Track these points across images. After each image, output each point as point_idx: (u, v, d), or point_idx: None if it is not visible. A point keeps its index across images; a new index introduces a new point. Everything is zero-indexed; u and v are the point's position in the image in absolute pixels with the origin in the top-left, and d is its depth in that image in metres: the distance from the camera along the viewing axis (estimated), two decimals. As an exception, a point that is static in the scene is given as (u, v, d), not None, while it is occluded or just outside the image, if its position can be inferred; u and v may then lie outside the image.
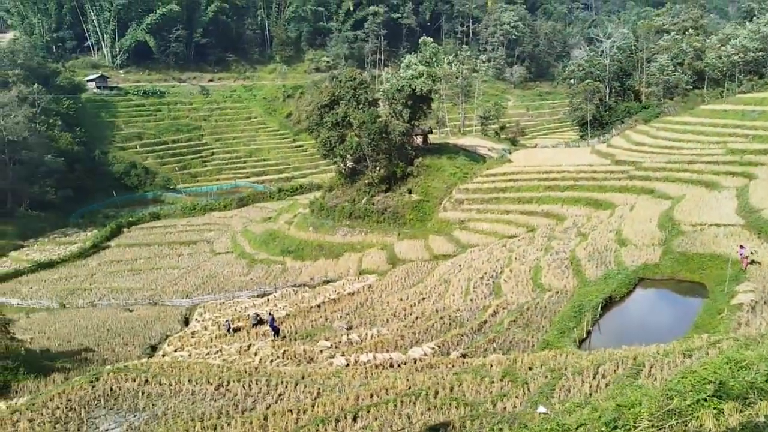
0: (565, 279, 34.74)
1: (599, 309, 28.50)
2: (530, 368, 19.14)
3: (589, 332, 26.84)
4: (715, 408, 5.58)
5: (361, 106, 61.24)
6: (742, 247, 29.30)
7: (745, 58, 75.44)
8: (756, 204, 36.58)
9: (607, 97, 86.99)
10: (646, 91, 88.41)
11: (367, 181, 62.38)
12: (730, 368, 7.60)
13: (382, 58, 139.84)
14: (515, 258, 41.00)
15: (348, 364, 25.23)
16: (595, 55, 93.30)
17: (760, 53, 75.07)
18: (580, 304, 29.15)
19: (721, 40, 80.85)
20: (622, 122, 77.56)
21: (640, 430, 5.51)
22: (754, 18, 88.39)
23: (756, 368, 7.12)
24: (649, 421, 5.63)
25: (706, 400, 5.83)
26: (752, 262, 28.80)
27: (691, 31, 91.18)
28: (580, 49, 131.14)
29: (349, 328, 34.10)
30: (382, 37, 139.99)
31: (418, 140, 69.16)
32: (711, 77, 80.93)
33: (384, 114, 63.74)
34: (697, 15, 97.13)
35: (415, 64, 66.49)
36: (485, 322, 30.26)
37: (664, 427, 5.38)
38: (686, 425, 5.31)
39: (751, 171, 45.08)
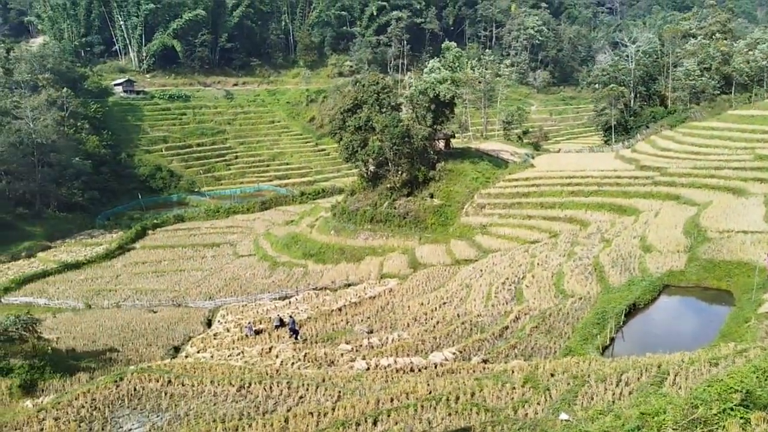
0: (588, 285, 34.41)
1: (623, 316, 28.18)
2: (552, 375, 19.00)
3: (612, 339, 26.55)
4: (741, 417, 5.50)
5: (383, 110, 61.33)
6: (770, 255, 28.78)
7: (773, 63, 74.35)
8: (785, 211, 35.96)
9: (632, 101, 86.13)
10: (672, 96, 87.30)
11: (389, 186, 62.39)
12: (757, 377, 7.47)
13: (405, 62, 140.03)
14: (537, 263, 40.69)
15: (368, 368, 25.25)
16: (620, 60, 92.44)
17: (790, 58, 73.96)
18: (604, 310, 28.86)
19: (750, 45, 79.68)
20: (648, 127, 76.66)
21: (665, 438, 5.46)
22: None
23: (784, 378, 6.98)
24: (673, 429, 5.56)
25: (732, 409, 5.74)
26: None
27: (718, 35, 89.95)
28: (605, 53, 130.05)
29: (370, 331, 34.12)
30: (405, 42, 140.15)
31: (441, 144, 69.02)
32: (739, 82, 79.77)
33: (406, 118, 63.78)
34: (724, 19, 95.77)
35: (439, 69, 66.40)
36: (507, 327, 30.08)
37: (690, 436, 5.31)
38: (712, 434, 5.24)
39: (780, 177, 44.33)
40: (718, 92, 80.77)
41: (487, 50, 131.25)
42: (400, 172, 62.11)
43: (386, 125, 59.00)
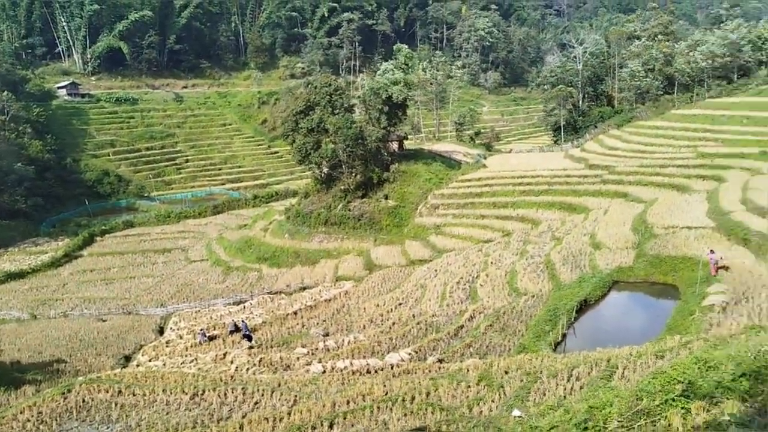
0: (540, 283, 34.99)
1: (574, 312, 28.74)
2: (506, 372, 19.24)
3: (564, 335, 27.05)
4: (683, 407, 5.65)
5: (336, 111, 61.21)
6: (712, 252, 29.67)
7: (713, 65, 76.96)
8: (726, 207, 37.29)
9: (580, 102, 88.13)
10: (618, 96, 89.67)
11: (343, 188, 62.29)
12: (698, 368, 7.70)
13: (357, 64, 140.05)
14: (491, 262, 41.19)
15: (325, 371, 25.13)
16: (568, 61, 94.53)
17: (728, 59, 76.66)
18: (556, 307, 29.38)
19: (690, 47, 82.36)
20: (596, 127, 78.60)
21: (610, 430, 5.58)
22: (722, 25, 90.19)
23: (724, 368, 7.22)
24: (618, 421, 5.69)
25: (674, 399, 5.90)
26: (722, 267, 29.18)
27: (660, 37, 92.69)
28: (554, 54, 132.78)
29: (326, 334, 33.97)
30: (357, 44, 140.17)
31: (394, 146, 69.29)
32: (681, 82, 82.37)
33: (359, 120, 63.80)
34: (666, 21, 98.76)
35: (392, 70, 66.70)
36: (462, 326, 30.34)
37: (633, 427, 5.44)
38: (655, 425, 5.37)
39: (721, 174, 45.98)
40: (662, 92, 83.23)
41: (437, 52, 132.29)
42: (354, 174, 62.07)
43: (339, 127, 58.87)
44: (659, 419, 5.51)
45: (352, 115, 63.30)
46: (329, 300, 41.70)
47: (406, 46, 74.73)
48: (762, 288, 26.27)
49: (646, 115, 74.75)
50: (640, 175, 51.84)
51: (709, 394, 5.87)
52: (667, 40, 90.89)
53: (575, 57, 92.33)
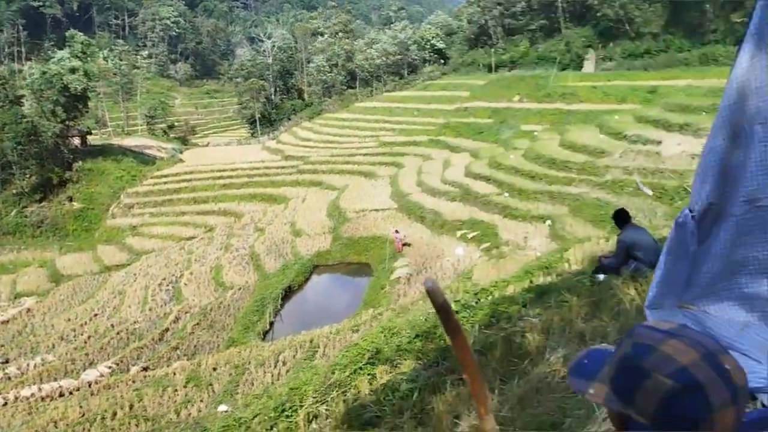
0: (246, 275, 35.25)
1: (280, 300, 29.61)
2: (215, 369, 18.97)
3: (272, 323, 27.72)
4: (369, 374, 6.14)
5: (0, 104, 53.27)
6: (396, 231, 33.19)
7: (387, 61, 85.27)
8: (404, 189, 41.88)
9: (273, 95, 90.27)
10: (308, 90, 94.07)
11: (15, 191, 54.53)
12: (384, 336, 8.48)
13: (23, 50, 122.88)
14: (195, 260, 40.19)
15: (6, 403, 21.82)
16: (258, 55, 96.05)
17: (399, 57, 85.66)
18: (262, 297, 29.91)
19: (367, 44, 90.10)
20: (289, 119, 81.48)
21: (305, 407, 5.81)
22: (392, 25, 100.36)
23: (404, 333, 8.04)
24: (313, 397, 5.96)
25: (362, 368, 6.38)
26: (406, 244, 32.86)
27: (341, 34, 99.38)
28: (244, 48, 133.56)
29: (5, 361, 29.51)
30: (21, 27, 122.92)
31: (76, 142, 62.84)
32: (362, 77, 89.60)
33: (31, 113, 56.43)
34: (345, 20, 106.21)
35: (69, 58, 60.27)
36: (167, 330, 29.04)
37: (327, 400, 5.74)
38: (346, 394, 5.74)
39: (400, 161, 51.42)
40: (346, 86, 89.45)
41: (119, 40, 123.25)
42: (28, 175, 54.84)
43: (6, 122, 51.47)
44: (349, 388, 5.89)
45: (21, 108, 55.76)
46: (7, 321, 36.27)
47: (82, 33, 68.13)
48: (436, 258, 30.23)
49: (333, 108, 79.77)
50: (332, 164, 55.31)
51: (391, 358, 6.46)
52: (348, 38, 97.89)
53: (265, 51, 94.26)
